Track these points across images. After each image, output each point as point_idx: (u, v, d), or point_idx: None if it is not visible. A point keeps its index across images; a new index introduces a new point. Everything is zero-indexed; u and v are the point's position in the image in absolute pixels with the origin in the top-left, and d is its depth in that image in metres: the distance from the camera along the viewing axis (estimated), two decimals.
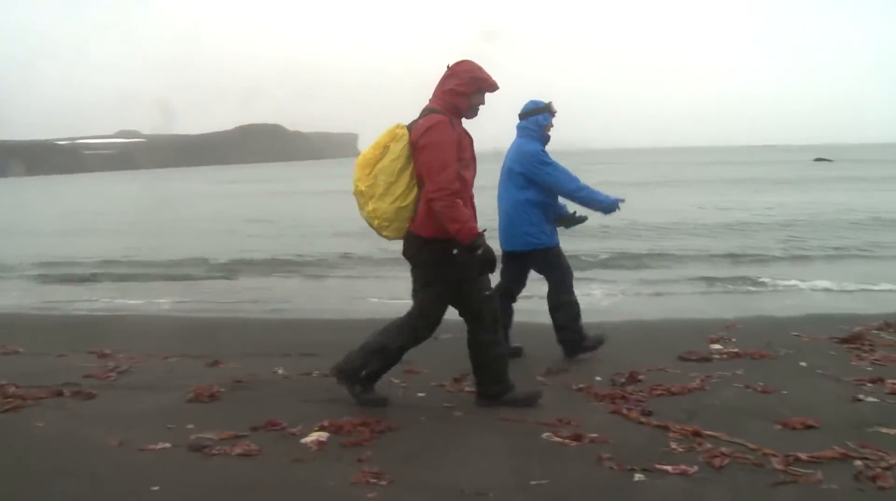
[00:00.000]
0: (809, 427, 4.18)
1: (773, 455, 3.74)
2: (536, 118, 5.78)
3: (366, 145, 4.60)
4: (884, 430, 4.08)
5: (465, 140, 4.50)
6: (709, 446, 3.91)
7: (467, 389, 5.03)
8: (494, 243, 4.57)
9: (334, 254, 16.57)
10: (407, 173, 4.39)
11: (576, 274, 6.11)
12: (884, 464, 3.59)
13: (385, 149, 4.41)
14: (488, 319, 4.66)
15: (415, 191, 4.41)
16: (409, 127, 4.48)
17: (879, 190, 31.88)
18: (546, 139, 5.82)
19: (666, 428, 4.19)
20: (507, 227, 5.82)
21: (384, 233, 4.50)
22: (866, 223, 20.01)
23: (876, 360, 5.67)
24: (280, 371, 5.71)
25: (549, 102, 5.83)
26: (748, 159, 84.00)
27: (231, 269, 15.09)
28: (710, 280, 11.83)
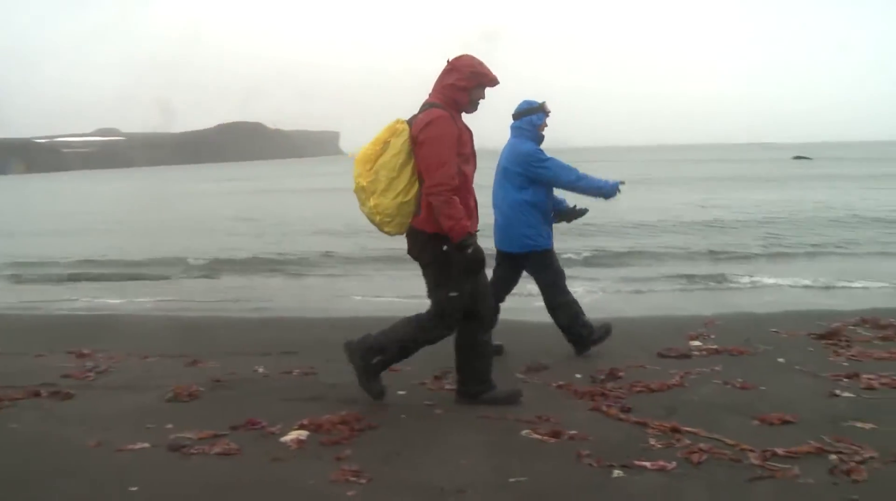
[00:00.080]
0: (787, 423, 4.21)
1: (751, 451, 3.77)
2: (531, 118, 5.81)
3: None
4: (858, 424, 4.13)
5: (466, 135, 4.50)
6: (687, 442, 3.94)
7: (448, 387, 5.04)
8: (489, 243, 4.57)
9: (315, 252, 16.54)
10: (408, 169, 4.37)
11: None
12: (858, 458, 3.63)
13: (385, 144, 4.38)
14: (487, 319, 4.69)
15: (416, 186, 4.38)
16: (410, 122, 4.46)
17: (858, 188, 32.23)
18: (540, 139, 5.85)
19: (645, 425, 4.21)
20: (505, 228, 5.84)
21: (386, 229, 4.46)
22: (844, 221, 20.23)
23: (852, 355, 5.73)
24: (260, 370, 5.69)
25: (543, 102, 5.85)
26: (730, 157, 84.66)
27: (211, 268, 15.02)
28: (689, 277, 11.92)
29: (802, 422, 4.21)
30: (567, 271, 6.10)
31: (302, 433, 4.15)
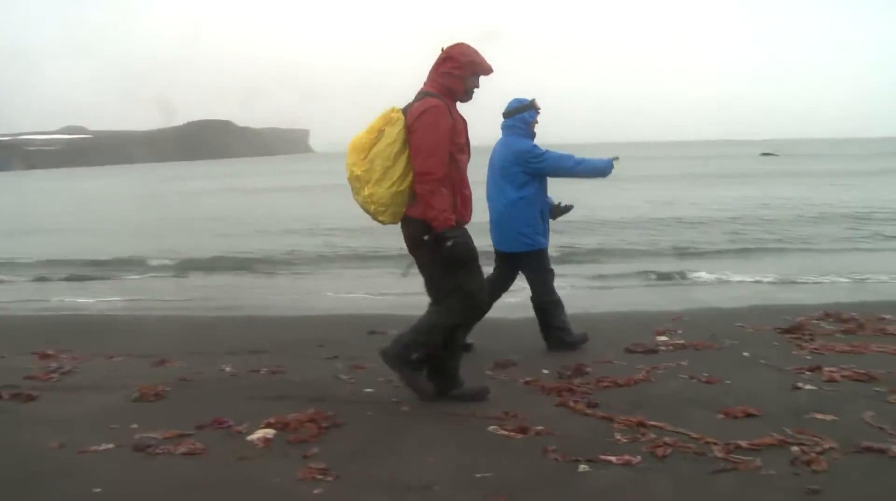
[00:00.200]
0: (751, 416, 4.26)
1: (715, 444, 3.81)
2: (522, 116, 5.84)
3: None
4: (819, 416, 4.19)
5: (461, 125, 4.50)
6: (653, 436, 3.97)
7: None
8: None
9: (283, 251, 16.47)
10: (403, 158, 4.34)
11: None
12: (818, 449, 3.69)
13: (380, 133, 4.35)
14: (474, 320, 4.73)
15: (411, 175, 4.36)
16: (405, 110, 4.43)
17: (823, 184, 32.75)
18: (532, 136, 5.88)
19: (611, 420, 4.24)
20: (501, 227, 5.86)
21: (380, 218, 4.43)
22: (809, 217, 20.55)
23: (815, 349, 5.82)
24: (227, 369, 5.64)
25: (533, 99, 5.88)
26: (699, 154, 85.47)
27: (179, 267, 14.88)
28: (657, 274, 12.04)
29: (766, 415, 4.26)
30: None
31: (269, 432, 4.12)
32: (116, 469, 3.71)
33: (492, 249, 5.97)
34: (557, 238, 16.36)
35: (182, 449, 3.91)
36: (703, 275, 11.78)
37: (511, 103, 5.88)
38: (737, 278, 11.46)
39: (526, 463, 3.67)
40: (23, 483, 3.59)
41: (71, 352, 6.35)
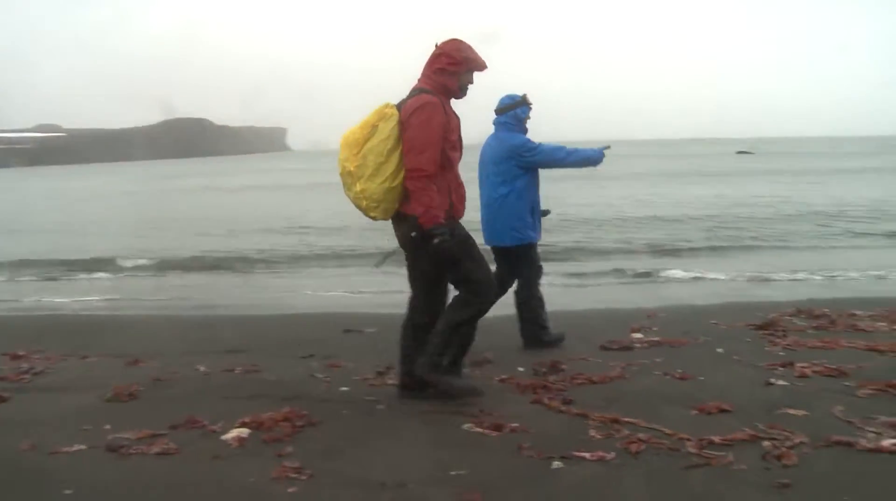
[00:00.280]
0: (724, 411, 4.29)
1: (688, 439, 3.84)
2: (515, 112, 5.85)
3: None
4: (791, 411, 4.24)
5: (454, 122, 4.49)
6: (626, 432, 3.99)
7: (390, 382, 5.02)
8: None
9: (260, 250, 16.40)
10: (396, 154, 4.32)
11: None
12: (789, 444, 3.73)
13: (373, 128, 4.32)
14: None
15: (404, 172, 4.34)
16: (399, 106, 4.42)
17: (797, 182, 33.10)
18: (525, 132, 5.91)
19: (585, 416, 4.25)
20: (493, 222, 5.86)
21: (372, 214, 4.40)
22: (783, 214, 20.77)
23: (787, 345, 5.88)
24: (202, 368, 5.61)
25: (524, 95, 5.89)
26: (675, 153, 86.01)
27: (156, 267, 14.78)
28: (633, 271, 12.12)
29: (738, 410, 4.29)
30: None
31: (243, 431, 4.11)
32: (89, 470, 3.67)
33: (490, 248, 5.98)
34: None
35: (155, 449, 3.89)
36: (679, 273, 11.90)
37: (503, 100, 5.89)
38: (711, 275, 11.58)
39: (500, 461, 3.68)
40: None
41: (44, 352, 6.29)
